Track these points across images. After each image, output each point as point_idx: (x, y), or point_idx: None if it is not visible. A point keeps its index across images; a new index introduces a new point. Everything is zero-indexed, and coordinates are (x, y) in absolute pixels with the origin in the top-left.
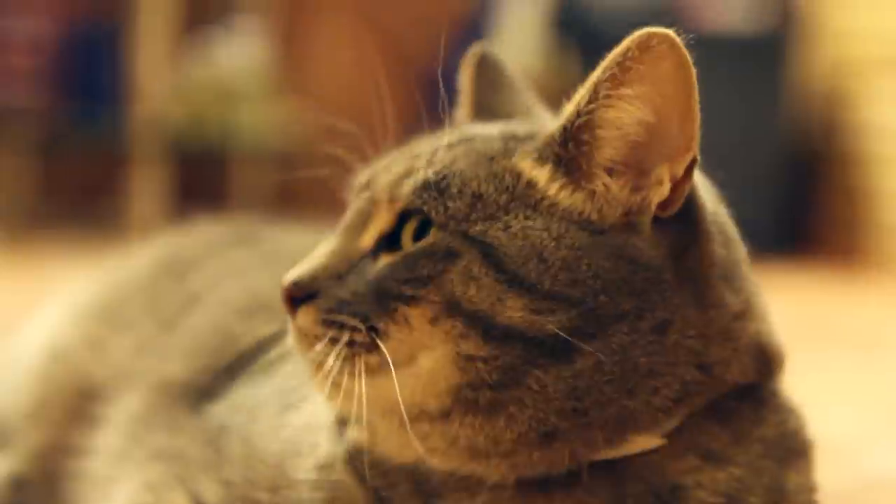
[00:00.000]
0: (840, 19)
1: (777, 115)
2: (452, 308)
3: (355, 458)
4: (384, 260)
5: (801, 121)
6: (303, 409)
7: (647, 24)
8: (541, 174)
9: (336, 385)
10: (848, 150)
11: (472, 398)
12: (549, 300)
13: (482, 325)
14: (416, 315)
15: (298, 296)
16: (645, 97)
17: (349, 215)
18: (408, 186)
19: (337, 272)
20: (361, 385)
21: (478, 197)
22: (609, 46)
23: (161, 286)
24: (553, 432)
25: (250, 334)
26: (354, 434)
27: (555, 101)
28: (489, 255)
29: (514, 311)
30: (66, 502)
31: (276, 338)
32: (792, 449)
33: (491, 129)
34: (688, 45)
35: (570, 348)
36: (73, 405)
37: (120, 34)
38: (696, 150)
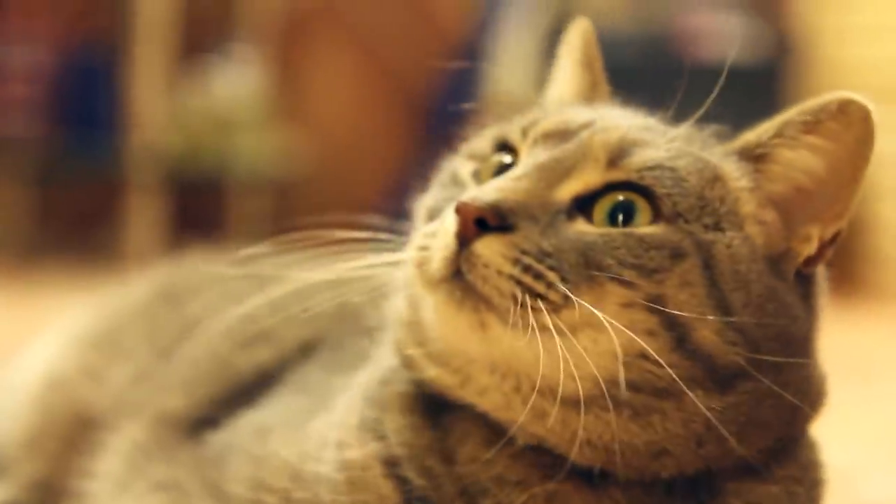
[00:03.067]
0: (836, 49)
1: None
2: (655, 304)
3: (412, 396)
4: (588, 227)
5: None
6: (317, 423)
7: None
8: (743, 194)
9: (484, 325)
10: None
11: (624, 397)
12: (740, 332)
13: (677, 334)
14: (617, 295)
15: (492, 222)
16: (825, 152)
17: (546, 157)
18: (639, 159)
19: (534, 215)
20: (522, 338)
21: (704, 201)
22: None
23: (158, 314)
24: (670, 450)
25: (250, 363)
26: (430, 372)
27: None
28: (710, 266)
29: (710, 331)
30: None
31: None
32: (817, 478)
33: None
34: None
35: (733, 382)
36: (71, 434)
37: (116, 62)
38: (846, 222)
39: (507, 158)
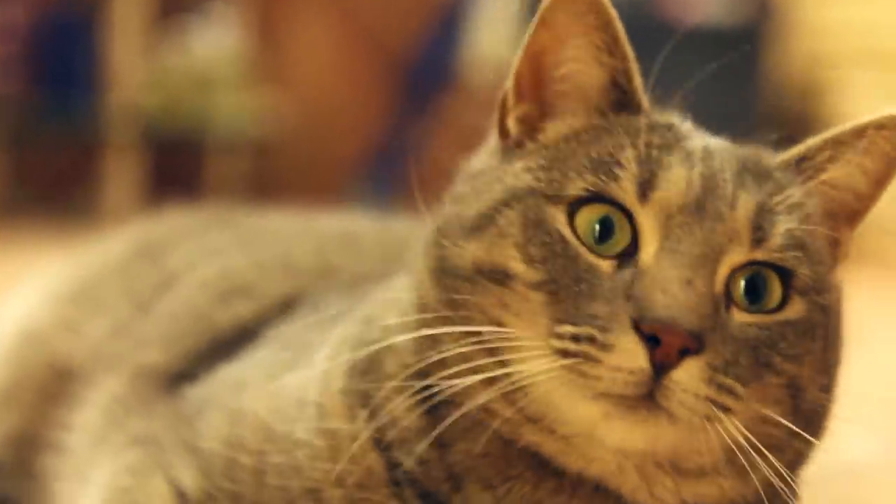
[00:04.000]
0: (816, 12)
1: (753, 108)
2: (794, 382)
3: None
4: (744, 317)
5: (777, 113)
6: (294, 377)
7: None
8: (824, 230)
9: (659, 435)
10: None
11: (739, 462)
12: (833, 379)
13: (797, 397)
14: (773, 385)
15: (694, 350)
16: (873, 170)
17: (699, 247)
18: (778, 237)
19: (715, 325)
20: (687, 437)
21: (821, 261)
22: None
23: (137, 268)
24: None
25: (229, 317)
26: (522, 433)
27: None
28: (827, 328)
29: (818, 389)
30: (42, 485)
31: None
32: None
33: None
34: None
35: (821, 430)
36: (48, 386)
37: (94, 21)
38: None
39: (620, 234)
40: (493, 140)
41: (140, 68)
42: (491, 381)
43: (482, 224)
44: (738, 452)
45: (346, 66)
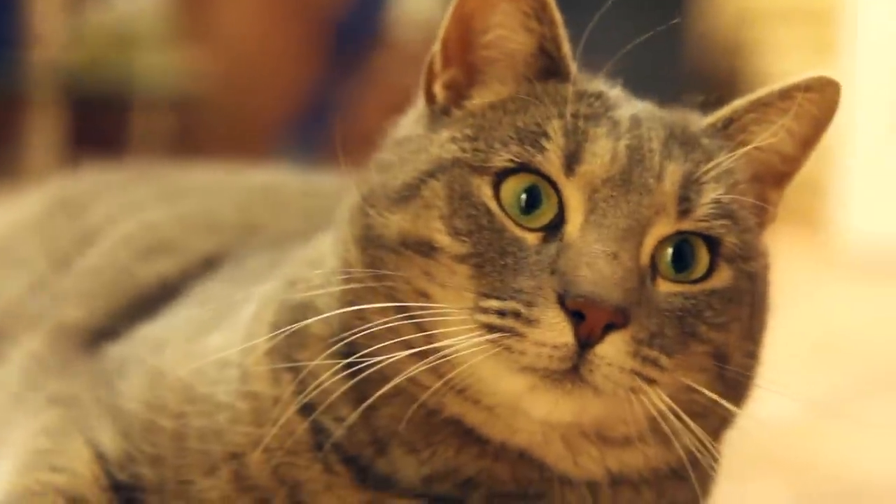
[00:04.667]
0: None
1: (681, 66)
2: (720, 350)
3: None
4: (670, 287)
5: (704, 71)
6: (216, 336)
7: None
8: (751, 195)
9: (585, 407)
10: None
11: (663, 429)
12: (759, 345)
13: (721, 364)
14: (698, 354)
15: (619, 324)
16: (799, 132)
17: (624, 215)
18: (705, 206)
19: (639, 298)
20: (612, 408)
21: (748, 228)
22: None
23: (56, 224)
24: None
25: (151, 274)
26: (447, 403)
27: None
28: (754, 295)
29: (743, 355)
30: None
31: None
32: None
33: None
34: None
35: (746, 394)
36: None
37: None
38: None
39: (546, 205)
40: (419, 104)
41: (63, 25)
42: (418, 355)
43: (408, 195)
44: (662, 421)
45: (271, 22)
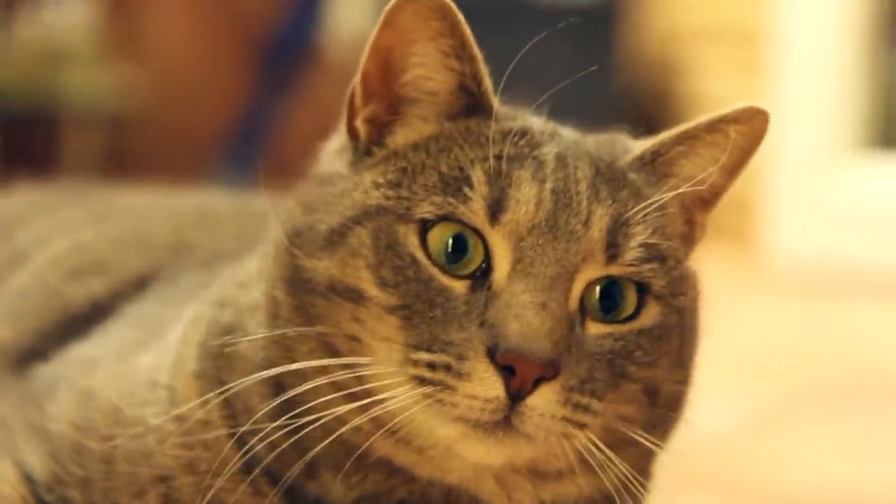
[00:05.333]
0: None
1: (609, 85)
2: (650, 385)
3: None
4: (599, 329)
5: (633, 90)
6: (146, 357)
7: None
8: (680, 227)
9: (517, 454)
10: (678, 119)
11: (598, 459)
12: (689, 370)
13: (653, 396)
14: (629, 391)
15: (550, 377)
16: (727, 162)
17: (552, 263)
18: (633, 250)
19: (569, 345)
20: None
21: (677, 263)
22: None
23: None
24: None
25: (82, 294)
26: (378, 445)
27: None
28: (682, 327)
29: (673, 383)
30: None
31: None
32: None
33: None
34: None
35: (677, 417)
36: None
37: None
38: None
39: (474, 252)
40: (342, 134)
41: None
42: (349, 397)
43: (334, 241)
44: (590, 457)
45: (203, 40)
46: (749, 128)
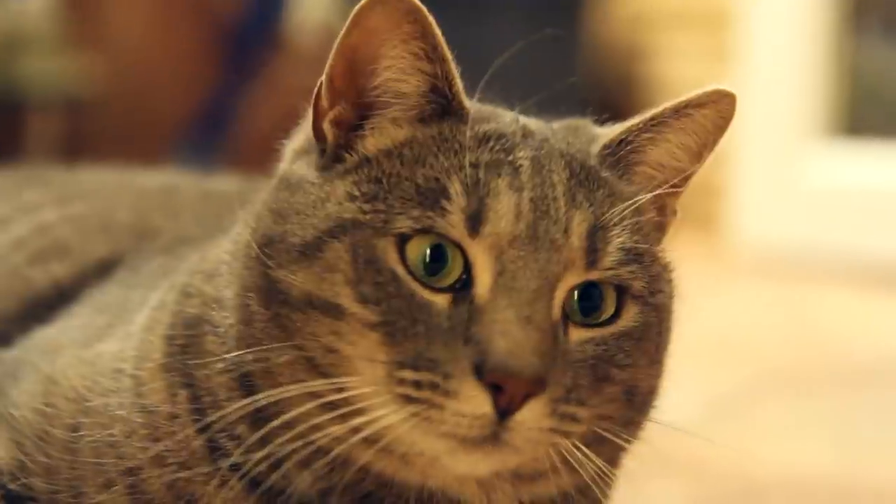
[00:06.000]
0: None
1: (574, 70)
2: (630, 384)
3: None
4: (581, 334)
5: (598, 75)
6: (111, 341)
7: None
8: (653, 216)
9: (505, 465)
10: (645, 104)
11: (576, 458)
12: (664, 363)
13: (632, 392)
14: (611, 393)
15: (538, 393)
16: (695, 146)
17: (534, 275)
18: (612, 254)
19: (555, 356)
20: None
21: (654, 260)
22: None
23: None
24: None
25: (45, 277)
26: (358, 454)
27: None
28: (661, 322)
29: (651, 378)
30: None
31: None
32: None
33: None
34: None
35: (651, 408)
36: None
37: None
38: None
39: (453, 264)
40: (306, 137)
41: None
42: (325, 406)
43: (309, 254)
44: (570, 457)
45: (165, 25)
46: (716, 111)
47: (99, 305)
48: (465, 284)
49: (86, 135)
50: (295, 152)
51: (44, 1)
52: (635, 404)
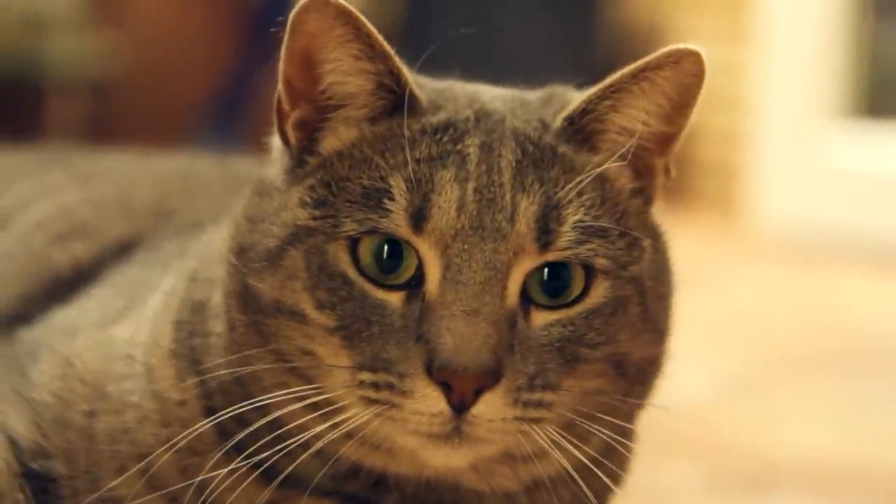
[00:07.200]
0: None
1: (593, 50)
2: (612, 357)
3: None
4: (545, 317)
5: (618, 58)
6: (125, 324)
7: None
8: (620, 179)
9: (479, 456)
10: None
11: (572, 434)
12: (656, 328)
13: (620, 366)
14: (589, 370)
15: (490, 386)
16: (662, 106)
17: (480, 267)
18: (566, 235)
19: (510, 344)
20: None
21: (624, 233)
22: None
23: None
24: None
25: (65, 258)
26: (342, 448)
27: None
28: (643, 293)
29: (644, 347)
30: None
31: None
32: None
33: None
34: None
35: (654, 376)
36: None
37: None
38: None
39: (407, 260)
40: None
41: None
42: (310, 407)
43: (273, 262)
44: (566, 432)
45: (187, 6)
46: (678, 71)
47: (117, 286)
48: (418, 281)
49: (107, 116)
50: (274, 149)
51: None
52: (629, 375)
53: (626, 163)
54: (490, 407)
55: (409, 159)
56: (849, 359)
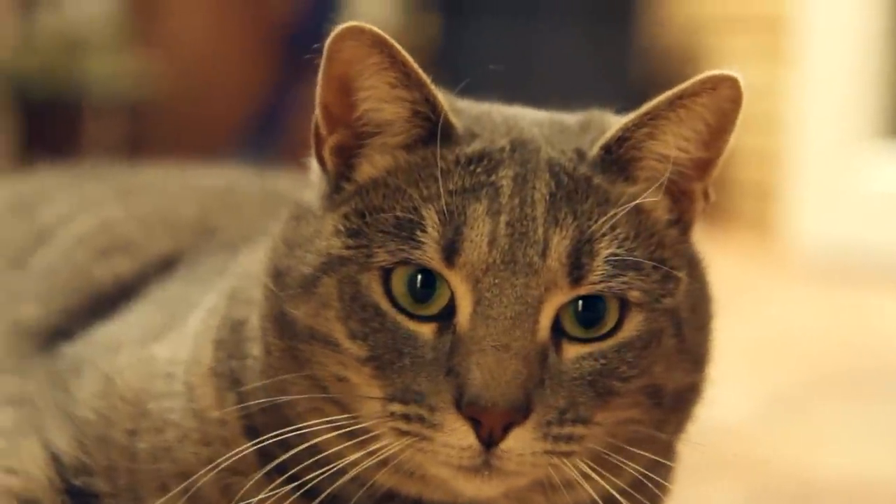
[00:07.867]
0: None
1: (629, 72)
2: (647, 388)
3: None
4: (577, 350)
5: (653, 78)
6: (166, 342)
7: None
8: (656, 211)
9: (511, 487)
10: None
11: (608, 464)
12: (701, 356)
13: (657, 394)
14: (623, 404)
15: (519, 422)
16: (700, 133)
17: (511, 302)
18: (599, 269)
19: (541, 379)
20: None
21: (660, 263)
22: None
23: (8, 223)
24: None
25: (108, 273)
26: (377, 476)
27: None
28: (678, 324)
29: (680, 375)
30: None
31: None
32: None
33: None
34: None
35: (693, 403)
36: None
37: None
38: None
39: (439, 291)
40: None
41: (13, 29)
42: (346, 435)
43: (308, 289)
44: (597, 464)
45: (224, 27)
46: (716, 97)
47: (158, 303)
48: (450, 312)
49: (145, 135)
50: (312, 171)
51: (106, 3)
52: (665, 404)
53: (662, 192)
54: (519, 442)
55: (441, 191)
56: (887, 378)
